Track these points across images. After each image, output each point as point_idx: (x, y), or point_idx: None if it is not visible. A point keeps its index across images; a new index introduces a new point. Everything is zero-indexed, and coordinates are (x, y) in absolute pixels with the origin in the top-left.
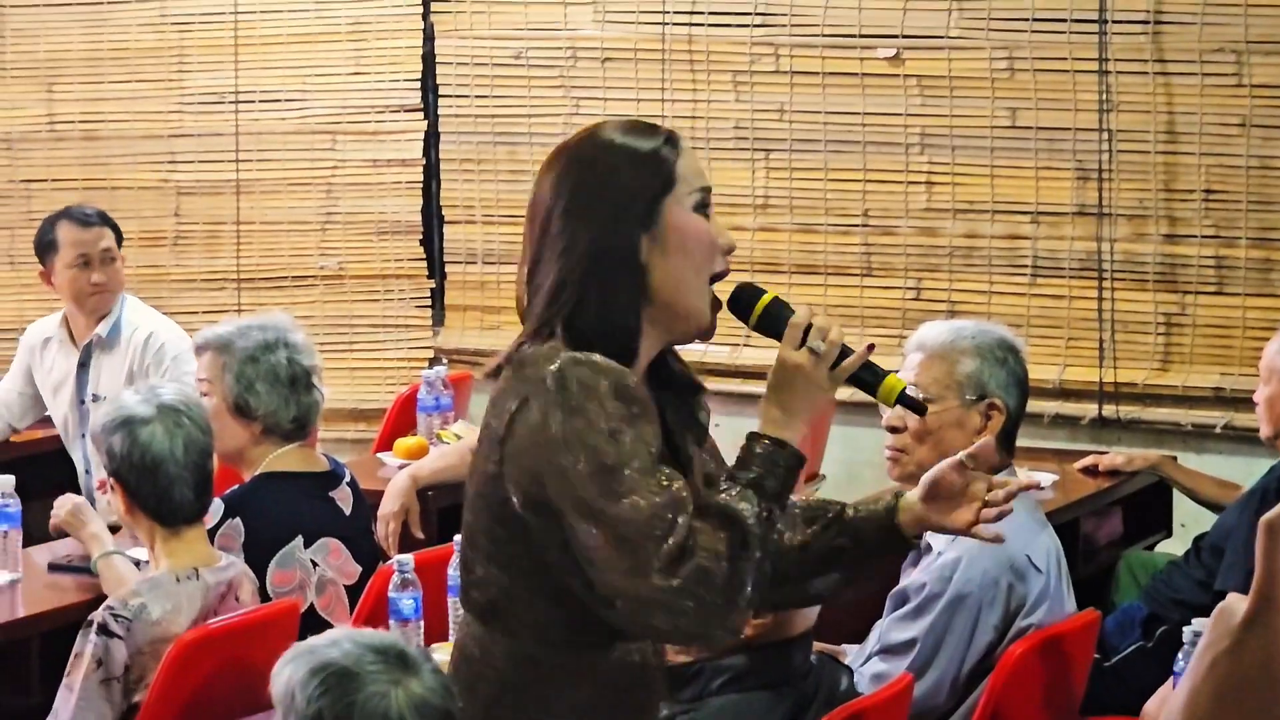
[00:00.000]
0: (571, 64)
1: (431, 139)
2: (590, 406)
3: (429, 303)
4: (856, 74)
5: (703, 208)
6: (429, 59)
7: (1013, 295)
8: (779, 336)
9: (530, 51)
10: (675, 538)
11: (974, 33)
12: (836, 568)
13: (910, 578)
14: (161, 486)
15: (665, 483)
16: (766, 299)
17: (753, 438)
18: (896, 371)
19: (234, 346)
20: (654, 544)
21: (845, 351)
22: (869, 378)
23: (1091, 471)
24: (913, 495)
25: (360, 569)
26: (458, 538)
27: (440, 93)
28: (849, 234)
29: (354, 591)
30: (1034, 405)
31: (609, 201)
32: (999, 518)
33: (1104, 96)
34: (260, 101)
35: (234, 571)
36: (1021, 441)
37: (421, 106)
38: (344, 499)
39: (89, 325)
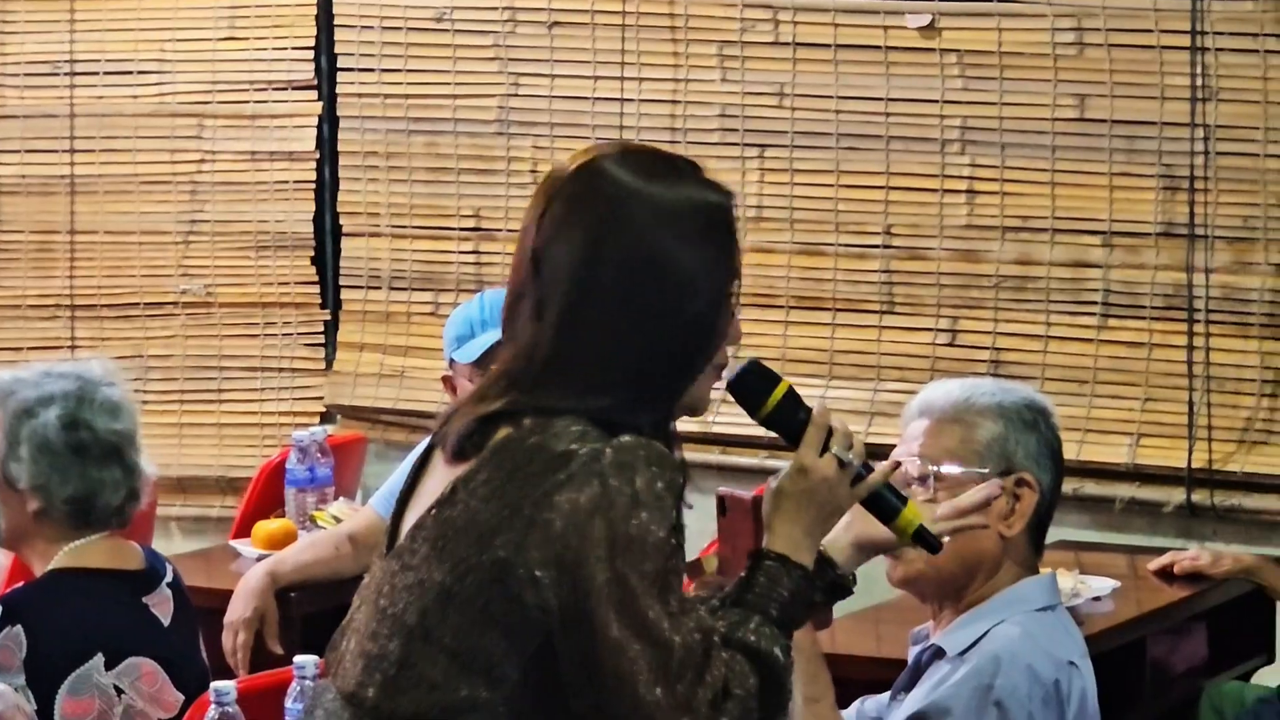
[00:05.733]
0: (509, 30)
1: (328, 126)
2: (657, 506)
3: (322, 339)
4: (879, 47)
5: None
6: (325, 22)
7: (1077, 341)
8: (792, 436)
9: (456, 13)
10: (716, 672)
11: None
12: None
13: (929, 694)
14: None
15: (698, 612)
16: (782, 390)
17: (779, 561)
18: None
19: (11, 398)
20: (696, 676)
21: (865, 464)
22: (892, 501)
23: (1168, 576)
24: (837, 529)
25: (183, 697)
26: (301, 658)
27: (339, 65)
28: (866, 258)
29: None
30: (1103, 488)
31: (676, 282)
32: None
33: (1199, 82)
34: (104, 74)
35: (2, 704)
36: (1082, 535)
37: (315, 83)
38: (162, 606)
39: None
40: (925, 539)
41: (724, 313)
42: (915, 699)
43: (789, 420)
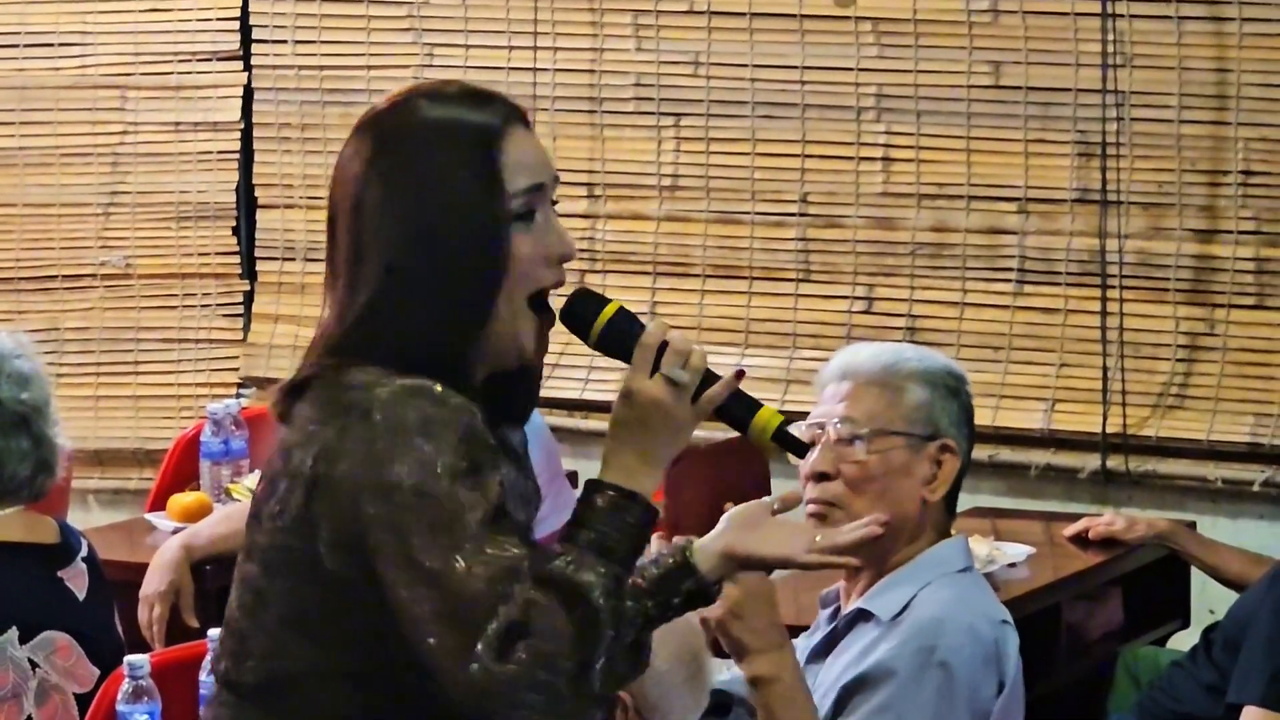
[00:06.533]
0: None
1: (250, 97)
2: (429, 447)
3: (241, 311)
4: (794, 14)
5: (528, 213)
6: None
7: (992, 308)
8: (626, 359)
9: None
10: (507, 613)
11: None
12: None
13: (860, 658)
14: None
15: (506, 545)
16: (609, 311)
17: (594, 487)
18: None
19: None
20: (480, 619)
21: (709, 379)
22: (740, 411)
23: (1083, 541)
24: (710, 534)
25: (98, 672)
26: (215, 631)
27: (253, 36)
28: (782, 226)
29: (89, 701)
30: (1018, 454)
31: (431, 204)
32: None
33: (1110, 48)
34: (25, 46)
35: None
36: (997, 501)
37: (241, 54)
38: (77, 580)
39: None
40: (787, 441)
41: (497, 237)
42: (845, 664)
43: (622, 342)
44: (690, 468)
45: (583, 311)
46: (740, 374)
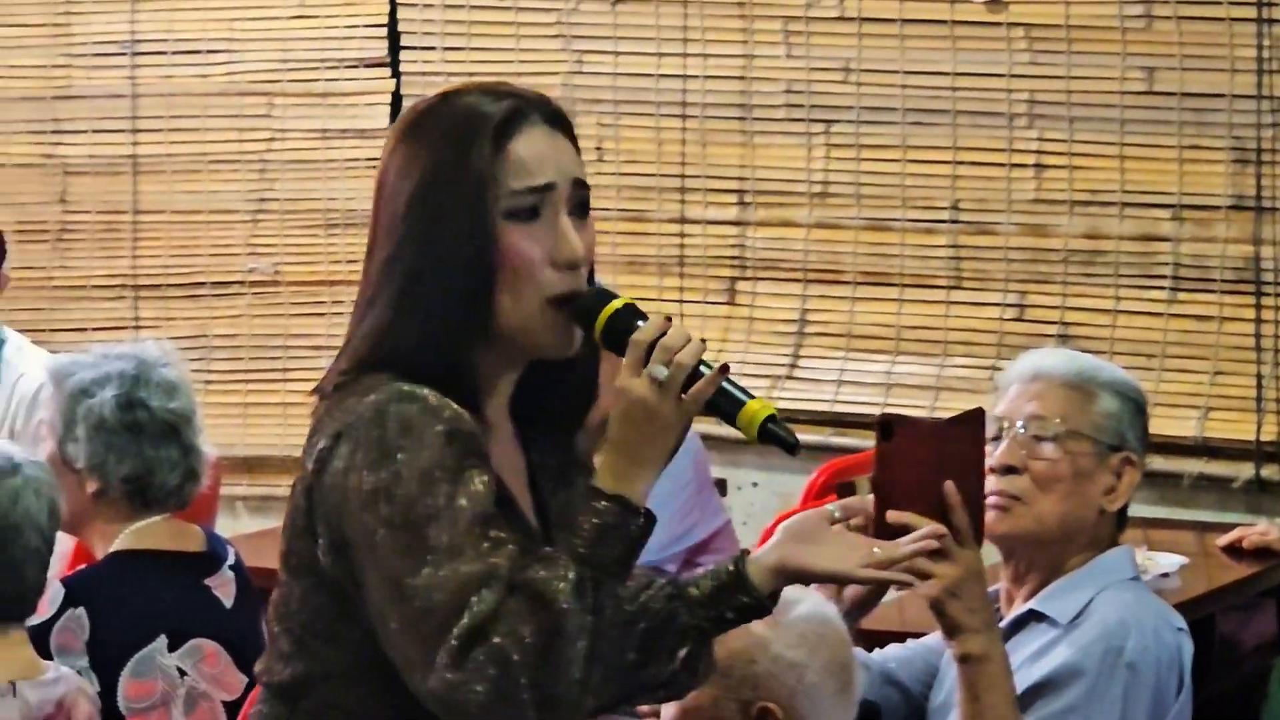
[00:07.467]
0: (572, 7)
1: (398, 104)
2: (407, 453)
3: None
4: (945, 20)
5: (529, 213)
6: None
7: (1146, 315)
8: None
9: None
10: (469, 621)
11: None
12: (676, 643)
13: (1036, 658)
14: (14, 563)
15: (483, 552)
16: (612, 307)
17: (586, 493)
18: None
19: (69, 379)
20: (440, 624)
21: (697, 374)
22: (728, 406)
23: (1237, 551)
24: (766, 545)
25: (246, 679)
26: None
27: (402, 43)
28: (933, 233)
29: (237, 708)
30: (1171, 463)
31: (424, 198)
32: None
33: (1265, 53)
34: (173, 53)
35: (65, 687)
36: (1150, 511)
37: (389, 60)
38: (224, 587)
39: None
40: (775, 436)
41: (480, 231)
42: (1017, 663)
43: (621, 339)
44: (905, 446)
45: (588, 307)
46: (725, 368)
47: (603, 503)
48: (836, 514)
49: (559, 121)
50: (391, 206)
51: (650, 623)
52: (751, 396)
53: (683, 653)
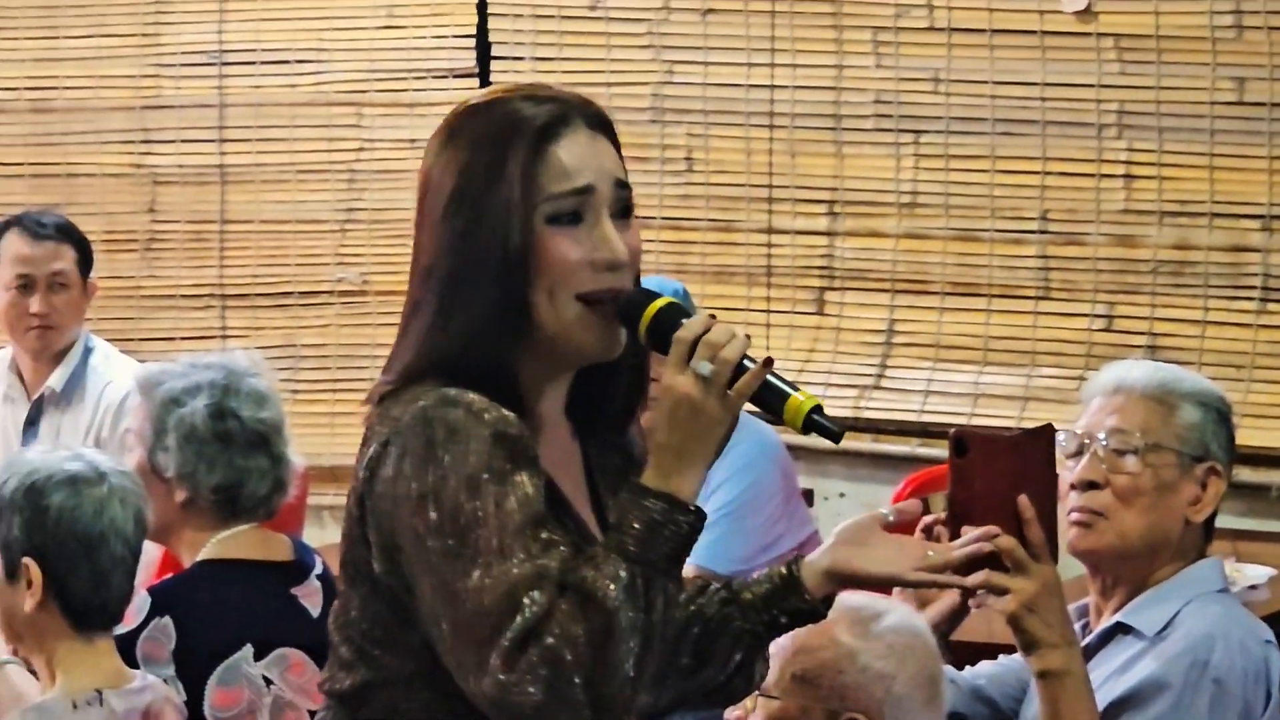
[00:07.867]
0: (662, 17)
1: None
2: (454, 457)
3: None
4: (1035, 31)
5: (571, 217)
6: (484, 8)
7: (1235, 326)
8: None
9: (609, 0)
10: (522, 622)
11: None
12: (730, 648)
13: (1122, 670)
14: (100, 572)
15: (533, 554)
16: (656, 306)
17: (635, 491)
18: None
19: (159, 388)
20: (498, 633)
21: (741, 370)
22: (773, 400)
23: None
24: (819, 550)
25: None
26: None
27: (493, 54)
28: (1021, 243)
29: None
30: (1259, 474)
31: (462, 202)
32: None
33: None
34: (261, 63)
35: (152, 696)
36: (1238, 523)
37: (476, 70)
38: (311, 597)
39: (39, 371)
40: (819, 427)
41: (517, 234)
42: (1102, 677)
43: (665, 337)
44: (979, 460)
45: (633, 308)
46: (769, 361)
47: (651, 500)
48: (890, 517)
49: (601, 124)
50: (433, 212)
51: (705, 627)
52: (796, 389)
53: (738, 657)
